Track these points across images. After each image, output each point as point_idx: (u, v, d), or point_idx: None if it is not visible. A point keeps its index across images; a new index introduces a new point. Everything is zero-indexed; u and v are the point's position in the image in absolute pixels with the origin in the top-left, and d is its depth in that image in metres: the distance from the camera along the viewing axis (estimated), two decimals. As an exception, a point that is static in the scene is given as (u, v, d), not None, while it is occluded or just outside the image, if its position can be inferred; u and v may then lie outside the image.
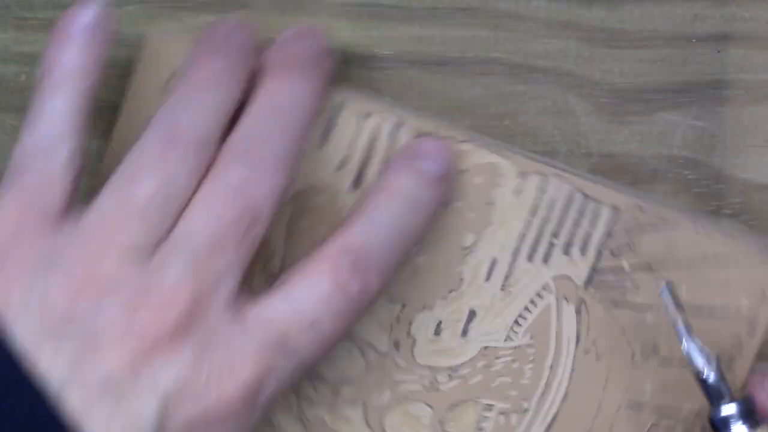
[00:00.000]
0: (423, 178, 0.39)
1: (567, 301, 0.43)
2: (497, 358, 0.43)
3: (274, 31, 0.45)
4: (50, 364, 0.34)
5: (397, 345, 0.43)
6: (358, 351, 0.43)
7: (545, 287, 0.43)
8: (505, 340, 0.43)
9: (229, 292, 0.36)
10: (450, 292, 0.42)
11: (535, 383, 0.43)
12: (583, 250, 0.42)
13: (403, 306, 0.43)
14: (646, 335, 0.43)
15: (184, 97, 0.38)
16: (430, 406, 0.43)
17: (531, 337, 0.43)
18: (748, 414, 0.38)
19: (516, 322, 0.43)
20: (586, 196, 0.42)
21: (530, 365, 0.43)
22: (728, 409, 0.38)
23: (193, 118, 0.37)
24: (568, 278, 0.43)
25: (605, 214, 0.42)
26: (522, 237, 0.42)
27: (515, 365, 0.43)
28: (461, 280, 0.42)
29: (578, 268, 0.42)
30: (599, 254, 0.42)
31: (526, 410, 0.43)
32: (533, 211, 0.42)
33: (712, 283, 0.42)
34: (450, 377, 0.43)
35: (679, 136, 0.45)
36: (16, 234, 0.36)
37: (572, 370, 0.43)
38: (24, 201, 0.36)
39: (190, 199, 0.37)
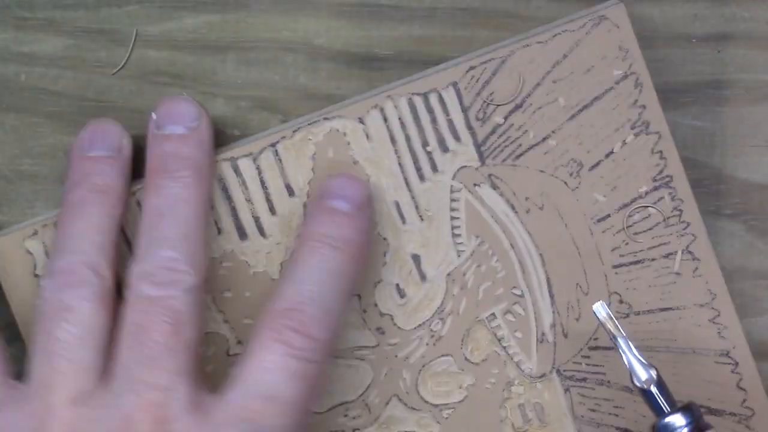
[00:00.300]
0: (335, 216, 0.40)
1: (479, 186, 0.43)
2: (464, 275, 0.43)
3: (274, 31, 0.45)
4: None
5: (380, 330, 0.43)
6: (357, 360, 0.44)
7: (453, 190, 0.43)
8: (459, 256, 0.43)
9: (185, 400, 0.36)
10: (384, 255, 0.43)
11: (511, 269, 0.43)
12: (456, 136, 0.43)
13: (359, 297, 0.43)
14: (563, 158, 0.43)
15: (63, 232, 0.39)
16: (447, 354, 0.43)
17: (476, 237, 0.43)
18: (692, 422, 0.38)
19: (454, 235, 0.43)
20: (422, 94, 0.43)
21: (495, 258, 0.43)
22: (673, 418, 0.38)
23: (74, 250, 0.38)
24: (465, 168, 0.43)
25: (448, 95, 0.43)
26: (402, 167, 0.43)
27: (483, 268, 0.43)
28: (385, 239, 0.43)
29: (465, 153, 0.43)
30: (471, 130, 0.43)
31: (521, 295, 0.43)
32: (393, 141, 0.43)
33: (579, 77, 0.43)
34: (442, 320, 0.43)
35: (679, 136, 0.45)
36: None
37: (529, 234, 0.43)
38: None
39: (112, 322, 0.38)
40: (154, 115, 0.41)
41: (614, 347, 0.39)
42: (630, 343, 0.39)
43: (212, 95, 0.45)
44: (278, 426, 0.36)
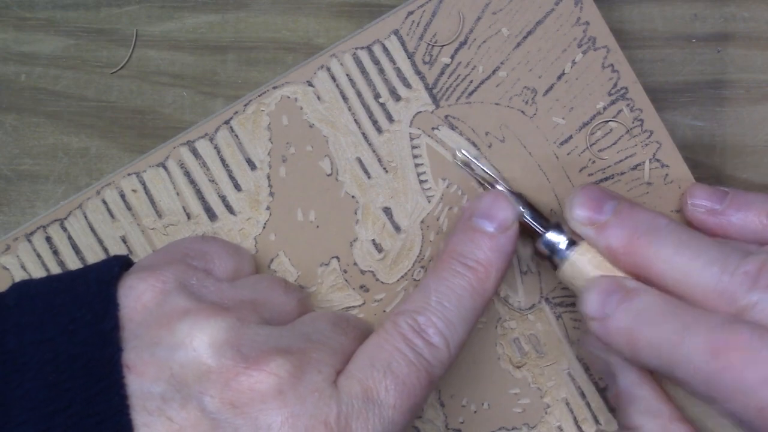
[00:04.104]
0: (477, 237, 0.40)
1: (437, 129, 0.43)
2: (438, 219, 0.43)
3: (273, 31, 0.45)
4: None
5: (364, 288, 0.44)
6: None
7: (412, 137, 0.43)
8: (429, 201, 0.43)
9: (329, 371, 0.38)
10: (355, 213, 0.43)
11: None
12: (407, 83, 0.43)
13: (338, 258, 0.43)
14: (516, 88, 0.43)
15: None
16: None
17: (443, 179, 0.43)
18: (566, 236, 0.40)
19: (421, 181, 0.43)
20: (366, 47, 0.43)
21: (465, 198, 0.43)
22: (551, 236, 0.40)
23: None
24: (420, 113, 0.43)
25: (391, 43, 0.43)
26: (358, 123, 0.43)
27: (456, 210, 0.43)
28: (353, 197, 0.43)
29: (418, 99, 0.43)
30: (420, 74, 0.43)
31: None
32: (345, 98, 0.43)
33: (518, 4, 0.43)
34: (423, 268, 0.44)
35: (679, 136, 0.45)
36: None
37: (494, 168, 0.43)
38: None
39: None
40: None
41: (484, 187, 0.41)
42: (496, 177, 0.41)
43: (212, 95, 0.45)
44: (392, 403, 0.37)
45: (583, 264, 0.39)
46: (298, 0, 0.46)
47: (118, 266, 0.38)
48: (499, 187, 0.41)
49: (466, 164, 0.42)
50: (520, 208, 0.41)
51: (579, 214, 0.40)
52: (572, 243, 0.40)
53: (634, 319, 0.37)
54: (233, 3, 0.46)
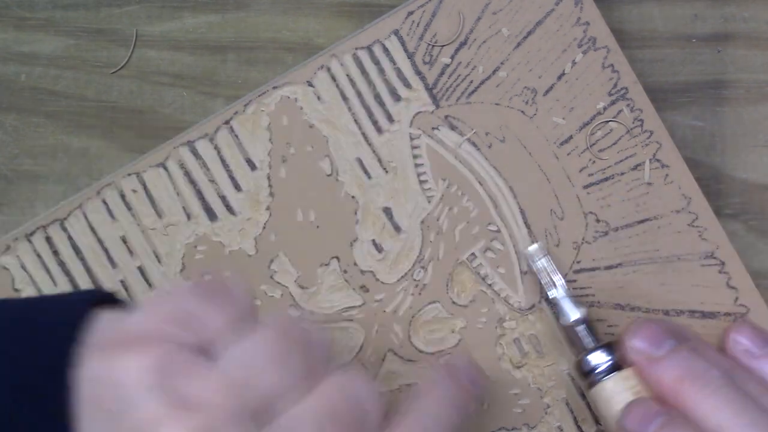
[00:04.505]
0: (465, 392, 0.39)
1: (437, 129, 0.43)
2: (438, 219, 0.43)
3: (274, 31, 0.45)
4: None
5: (364, 288, 0.44)
6: (346, 322, 0.44)
7: (412, 137, 0.43)
8: (429, 202, 0.43)
9: None
10: (355, 213, 0.43)
11: (483, 206, 0.43)
12: (407, 84, 0.43)
13: (338, 259, 0.43)
14: (516, 88, 0.43)
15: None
16: (434, 301, 0.44)
17: (443, 180, 0.43)
18: (611, 360, 0.40)
19: (421, 181, 0.43)
20: (366, 48, 0.43)
21: (465, 198, 0.43)
22: (595, 357, 0.40)
23: None
24: (420, 113, 0.43)
25: (392, 44, 0.43)
26: (358, 123, 0.43)
27: (456, 210, 0.43)
28: (353, 197, 0.43)
29: (419, 99, 0.43)
30: (420, 74, 0.43)
31: (498, 230, 0.43)
32: (345, 98, 0.43)
33: (518, 4, 0.43)
34: (423, 268, 0.43)
35: (679, 136, 0.45)
36: None
37: (495, 169, 0.43)
38: None
39: None
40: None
41: (547, 289, 0.42)
42: (563, 282, 0.41)
43: (212, 95, 0.45)
44: None
45: (623, 389, 0.40)
46: (298, 0, 0.46)
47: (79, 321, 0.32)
48: (560, 290, 0.41)
49: (534, 258, 0.42)
50: (578, 322, 0.41)
51: (637, 344, 0.40)
52: (616, 368, 0.40)
53: None
54: (233, 3, 0.46)
